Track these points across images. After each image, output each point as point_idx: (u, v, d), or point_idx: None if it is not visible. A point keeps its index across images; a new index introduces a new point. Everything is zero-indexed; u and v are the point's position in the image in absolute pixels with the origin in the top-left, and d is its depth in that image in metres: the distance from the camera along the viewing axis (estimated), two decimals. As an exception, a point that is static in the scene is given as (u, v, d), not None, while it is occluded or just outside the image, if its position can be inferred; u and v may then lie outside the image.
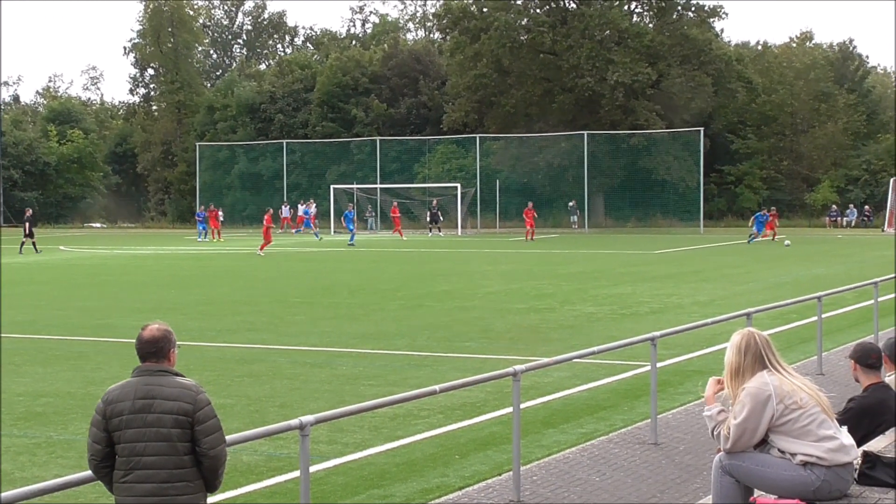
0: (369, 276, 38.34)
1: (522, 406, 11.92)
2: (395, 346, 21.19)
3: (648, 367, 13.60)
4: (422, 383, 15.95)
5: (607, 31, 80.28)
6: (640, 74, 77.47)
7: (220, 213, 72.30)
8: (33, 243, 54.85)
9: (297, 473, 9.82)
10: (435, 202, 68.81)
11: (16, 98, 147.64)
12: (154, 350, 6.94)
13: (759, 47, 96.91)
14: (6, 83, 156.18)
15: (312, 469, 9.81)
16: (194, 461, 6.81)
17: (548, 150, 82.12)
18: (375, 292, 32.41)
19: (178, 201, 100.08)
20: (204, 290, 33.64)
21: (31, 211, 58.75)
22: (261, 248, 51.48)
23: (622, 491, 11.00)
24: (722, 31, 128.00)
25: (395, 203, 70.03)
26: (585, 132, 78.70)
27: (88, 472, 7.21)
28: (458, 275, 38.42)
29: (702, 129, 77.86)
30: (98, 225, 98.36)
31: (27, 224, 55.82)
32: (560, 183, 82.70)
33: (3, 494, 6.72)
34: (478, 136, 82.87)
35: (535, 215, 66.49)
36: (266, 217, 53.05)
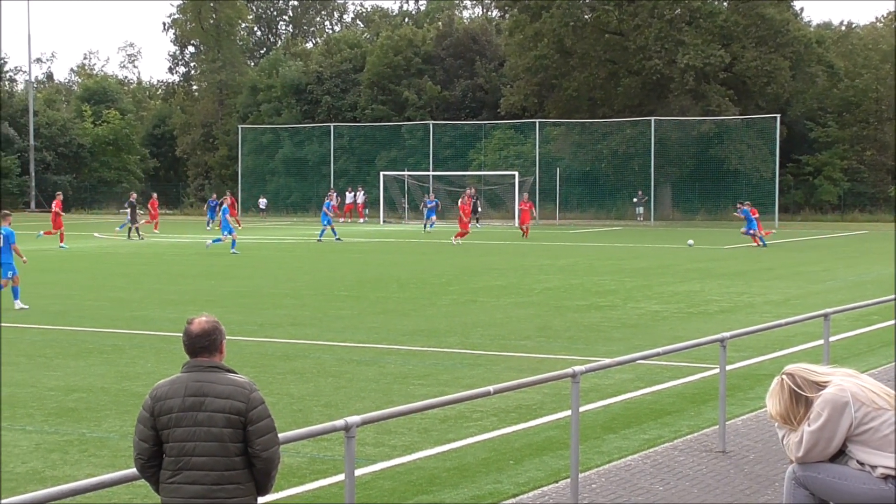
0: (419, 270, 38.41)
1: (581, 409, 11.92)
2: (446, 344, 21.23)
3: (717, 370, 13.55)
4: (475, 383, 15.99)
5: (677, 10, 79.85)
6: (712, 57, 76.99)
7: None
8: (137, 229, 55.81)
9: (341, 477, 9.88)
10: (472, 191, 68.57)
11: (49, 76, 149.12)
12: (206, 344, 6.96)
13: (843, 28, 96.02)
14: (39, 60, 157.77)
15: (358, 472, 9.88)
16: (246, 462, 6.85)
17: (612, 137, 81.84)
18: (426, 286, 32.47)
19: (218, 187, 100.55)
20: (243, 282, 33.83)
21: (135, 195, 59.70)
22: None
23: (687, 501, 10.97)
24: (801, 10, 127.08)
25: (469, 191, 69.27)
26: (652, 118, 78.38)
27: (122, 472, 7.30)
28: (513, 269, 38.41)
29: (778, 115, 77.28)
30: (128, 210, 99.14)
31: (131, 210, 56.77)
32: (625, 172, 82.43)
33: (36, 493, 6.80)
34: (537, 121, 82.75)
35: (533, 208, 65.61)
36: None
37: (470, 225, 58.72)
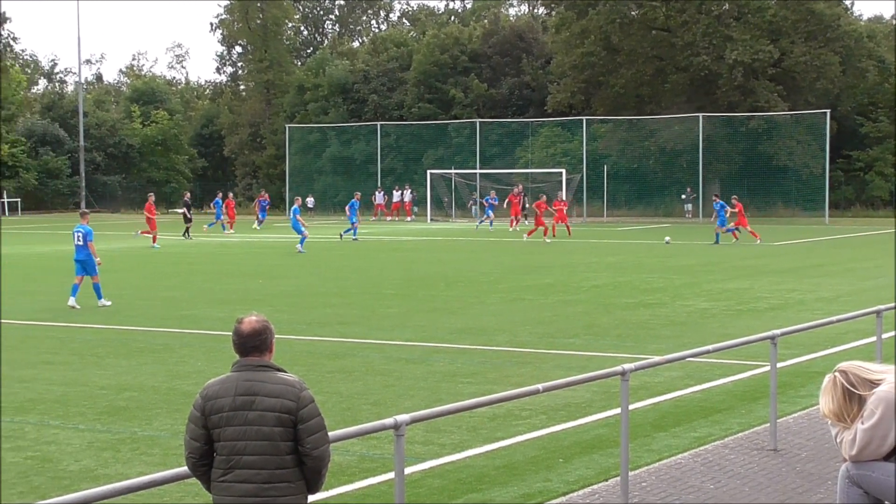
0: (467, 268, 38.41)
1: (631, 407, 11.89)
2: (494, 342, 21.23)
3: (767, 368, 13.49)
4: (523, 382, 15.97)
5: (725, 6, 79.46)
6: (760, 52, 76.52)
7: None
8: (187, 229, 56.38)
9: (391, 475, 9.89)
10: (520, 188, 68.34)
11: (98, 77, 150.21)
12: (257, 343, 6.98)
13: (894, 22, 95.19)
14: (88, 61, 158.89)
15: (407, 471, 9.88)
16: (296, 461, 6.87)
17: (660, 134, 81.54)
18: (473, 284, 32.48)
19: (266, 186, 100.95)
20: (291, 281, 33.96)
21: (188, 195, 60.33)
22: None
23: (738, 500, 10.92)
24: (852, 4, 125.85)
25: (518, 187, 69.01)
26: (700, 114, 78.02)
27: (174, 471, 7.34)
28: (561, 266, 38.35)
29: (828, 111, 76.71)
30: (182, 210, 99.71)
31: (185, 209, 57.37)
32: (672, 169, 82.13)
33: (89, 492, 6.85)
34: (584, 118, 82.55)
35: (547, 208, 64.78)
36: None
37: (517, 224, 58.82)
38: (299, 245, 46.02)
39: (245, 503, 6.80)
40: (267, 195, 75.92)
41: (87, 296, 27.56)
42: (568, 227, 58.01)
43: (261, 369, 6.93)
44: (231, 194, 70.54)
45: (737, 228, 51.69)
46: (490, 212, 65.49)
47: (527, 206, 68.47)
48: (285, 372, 7.00)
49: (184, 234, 56.61)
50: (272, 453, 6.80)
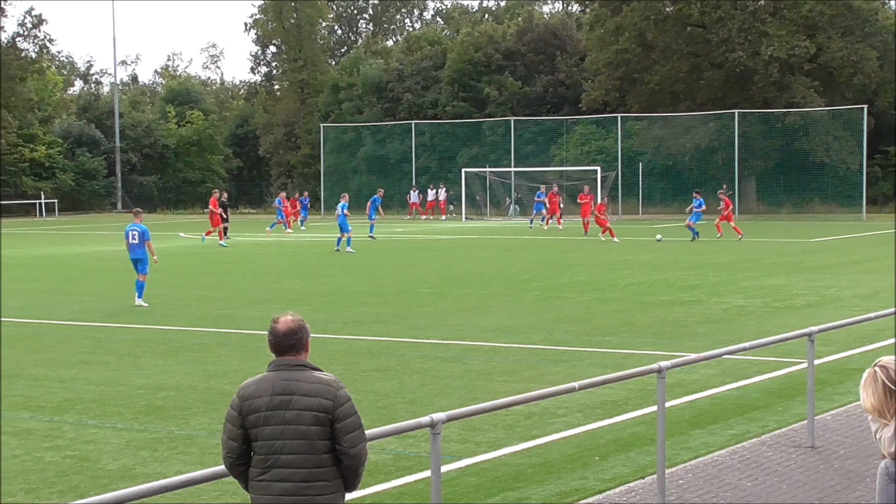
0: (502, 266, 38.40)
1: (667, 405, 11.88)
2: (530, 340, 21.23)
3: (805, 365, 13.46)
4: (559, 380, 15.99)
5: (761, 2, 79.06)
6: (796, 48, 76.11)
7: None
8: (225, 229, 56.26)
9: (427, 473, 9.91)
10: (556, 188, 67.88)
11: (134, 78, 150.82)
12: (293, 342, 7.01)
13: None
14: (123, 62, 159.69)
15: (444, 469, 9.90)
16: (334, 460, 6.90)
17: (695, 131, 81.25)
18: (508, 283, 32.48)
19: (301, 186, 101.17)
20: (326, 280, 34.05)
21: (225, 195, 60.55)
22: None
23: (776, 498, 10.90)
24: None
25: (556, 186, 68.44)
26: (736, 111, 77.72)
27: (211, 470, 7.39)
28: (596, 264, 38.30)
29: (865, 106, 76.22)
30: (219, 210, 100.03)
31: (221, 209, 57.44)
32: (708, 166, 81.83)
33: (127, 491, 6.90)
34: (619, 115, 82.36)
35: (560, 200, 64.39)
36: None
37: (551, 222, 58.60)
38: (348, 246, 45.34)
39: (283, 502, 6.83)
40: (306, 193, 75.58)
41: (125, 297, 27.69)
42: (586, 223, 57.56)
43: (297, 368, 6.96)
44: (283, 193, 70.38)
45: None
46: (542, 208, 64.38)
47: (561, 205, 68.21)
48: (321, 371, 7.03)
49: (220, 235, 56.60)
50: (310, 452, 6.83)
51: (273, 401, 6.87)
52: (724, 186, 77.23)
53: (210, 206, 53.48)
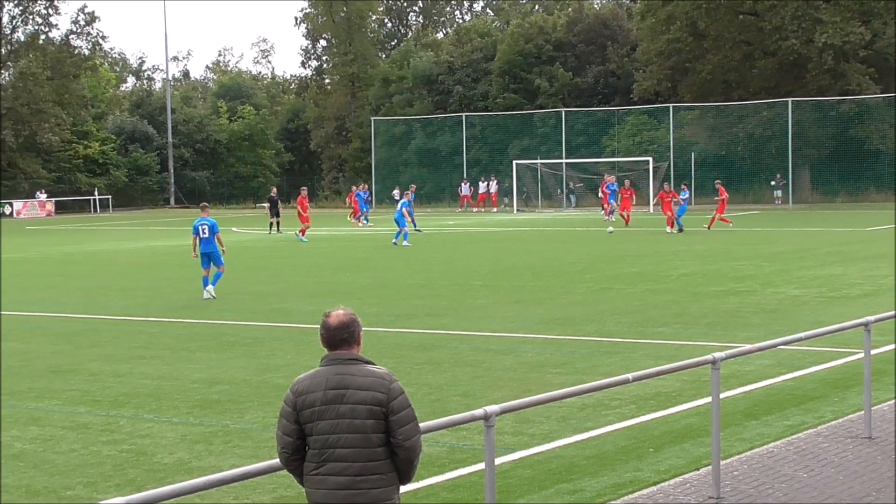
0: (553, 258, 38.36)
1: (722, 396, 11.84)
2: (582, 332, 21.21)
3: (861, 355, 13.38)
4: (612, 371, 15.97)
5: (814, -12, 78.52)
6: (851, 35, 75.44)
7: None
8: (277, 223, 56.61)
9: (481, 466, 9.95)
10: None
11: (185, 73, 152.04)
12: (345, 336, 7.03)
13: None
14: (175, 58, 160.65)
15: (497, 461, 9.92)
16: (388, 453, 6.93)
17: (748, 120, 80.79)
18: (561, 274, 32.44)
19: (352, 180, 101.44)
20: (378, 274, 34.11)
21: (275, 190, 60.80)
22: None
23: (832, 489, 10.84)
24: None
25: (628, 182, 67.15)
26: (790, 99, 77.19)
27: (266, 463, 7.44)
28: (649, 255, 38.18)
29: (921, 93, 75.60)
30: (266, 205, 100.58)
31: (270, 204, 57.78)
32: (761, 155, 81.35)
33: (183, 484, 6.95)
34: (671, 105, 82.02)
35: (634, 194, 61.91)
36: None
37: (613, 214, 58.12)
38: (404, 240, 45.25)
39: (338, 496, 6.86)
40: (364, 186, 74.52)
41: (178, 292, 27.86)
42: (627, 216, 56.98)
43: (350, 362, 6.98)
44: (354, 187, 70.34)
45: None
46: (613, 200, 62.76)
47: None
48: (374, 364, 7.05)
49: (271, 230, 56.85)
50: (364, 446, 6.86)
51: (327, 395, 6.90)
52: (778, 176, 77.01)
53: (298, 207, 52.93)
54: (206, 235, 28.29)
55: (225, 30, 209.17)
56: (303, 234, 50.51)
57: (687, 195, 55.34)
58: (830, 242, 42.41)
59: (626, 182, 62.03)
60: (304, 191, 55.37)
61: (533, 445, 12.65)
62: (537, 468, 11.79)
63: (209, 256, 28.30)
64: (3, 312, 26.05)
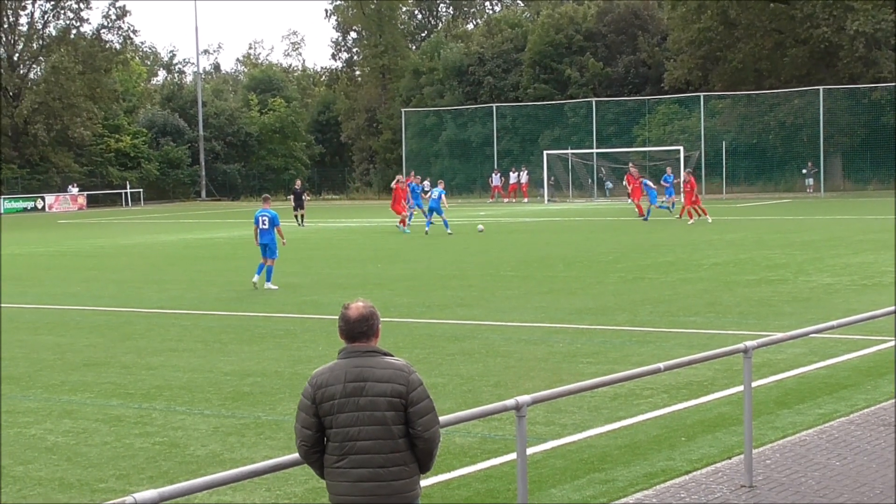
0: (585, 248, 38.30)
1: (754, 385, 11.80)
2: (614, 322, 21.17)
3: (893, 342, 13.30)
4: (644, 361, 15.93)
5: (845, -25, 78.07)
6: (883, 22, 75.01)
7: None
8: (301, 216, 56.62)
9: (513, 456, 9.94)
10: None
11: (216, 67, 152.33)
12: (365, 329, 7.03)
13: None
14: (206, 51, 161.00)
15: (529, 451, 9.92)
16: (408, 444, 6.93)
17: (779, 109, 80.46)
18: (592, 264, 32.39)
19: (383, 171, 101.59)
20: (410, 265, 34.14)
21: (300, 182, 60.84)
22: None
23: (865, 477, 10.79)
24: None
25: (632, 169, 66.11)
26: (821, 87, 76.82)
27: (297, 455, 7.44)
28: (681, 245, 38.08)
29: (953, 80, 75.08)
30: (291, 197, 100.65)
31: (294, 197, 57.86)
32: (793, 143, 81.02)
33: (216, 476, 6.97)
34: (702, 94, 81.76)
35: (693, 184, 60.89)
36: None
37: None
38: (447, 228, 45.60)
39: (362, 488, 6.87)
40: (418, 178, 72.37)
41: (210, 284, 27.91)
42: (639, 206, 56.35)
43: (369, 355, 6.99)
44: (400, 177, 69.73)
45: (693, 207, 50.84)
46: (671, 193, 59.38)
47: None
48: (392, 356, 7.07)
49: (298, 223, 56.78)
50: (385, 437, 6.87)
51: (347, 388, 6.90)
52: (809, 164, 76.57)
53: (395, 191, 51.60)
54: (266, 227, 28.61)
55: (255, 23, 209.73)
56: (404, 224, 49.48)
57: (672, 179, 55.53)
58: (862, 230, 42.20)
59: (633, 169, 61.21)
60: (399, 180, 53.52)
61: (565, 435, 12.64)
62: (569, 458, 11.78)
63: (266, 247, 28.55)
64: (37, 306, 26.24)
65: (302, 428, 7.04)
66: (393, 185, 53.94)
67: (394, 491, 6.88)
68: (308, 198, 59.90)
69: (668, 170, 61.50)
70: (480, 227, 48.37)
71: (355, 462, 6.88)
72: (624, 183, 61.60)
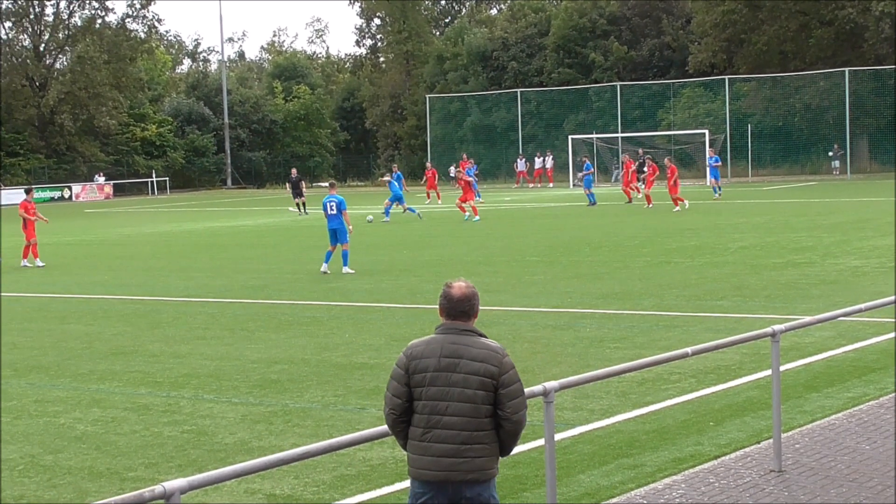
0: (611, 232, 38.22)
1: (782, 368, 11.74)
2: (641, 306, 21.12)
3: (923, 325, 13.22)
4: (671, 345, 15.89)
5: (870, -44, 77.62)
6: (908, 2, 74.60)
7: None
8: (303, 203, 56.68)
9: (541, 441, 9.91)
10: (640, 152, 65.25)
11: (241, 55, 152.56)
12: (466, 308, 7.25)
13: None
14: (230, 39, 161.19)
15: (557, 437, 9.90)
16: (493, 424, 7.07)
17: (805, 91, 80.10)
18: (618, 248, 32.32)
19: (408, 157, 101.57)
20: (436, 251, 34.13)
21: (295, 171, 60.85)
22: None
23: None
24: None
25: (624, 157, 64.59)
26: (847, 69, 76.42)
27: (327, 442, 7.43)
28: (707, 228, 37.96)
29: (981, 59, 74.55)
30: (326, 184, 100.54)
31: (291, 186, 57.85)
32: (819, 126, 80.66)
33: (246, 464, 6.96)
34: (727, 77, 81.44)
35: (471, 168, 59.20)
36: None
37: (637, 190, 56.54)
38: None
39: (443, 463, 7.02)
40: (471, 161, 70.86)
41: (237, 272, 27.88)
42: (627, 191, 55.86)
43: (465, 333, 7.16)
44: (428, 164, 70.06)
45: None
46: (716, 175, 58.58)
47: (645, 170, 65.28)
48: (487, 338, 7.23)
49: (302, 210, 56.52)
50: (473, 416, 7.00)
51: (441, 363, 7.07)
52: (836, 146, 76.12)
53: (461, 176, 50.11)
54: (334, 212, 28.77)
55: (279, 10, 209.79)
56: (475, 211, 46.66)
57: (591, 168, 55.91)
58: (889, 212, 41.93)
59: (625, 156, 60.85)
60: (466, 160, 52.36)
61: (592, 421, 12.61)
62: (597, 443, 11.75)
63: (335, 232, 28.65)
64: (65, 295, 26.33)
65: (392, 396, 7.21)
66: (455, 174, 51.19)
67: (474, 468, 7.02)
68: (306, 186, 59.72)
69: (710, 151, 61.00)
70: (370, 217, 47.64)
71: (440, 437, 7.03)
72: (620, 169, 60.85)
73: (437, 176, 65.80)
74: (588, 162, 57.26)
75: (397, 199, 48.39)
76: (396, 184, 49.36)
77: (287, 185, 61.50)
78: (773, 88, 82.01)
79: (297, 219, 53.53)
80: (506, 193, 72.82)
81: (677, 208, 47.31)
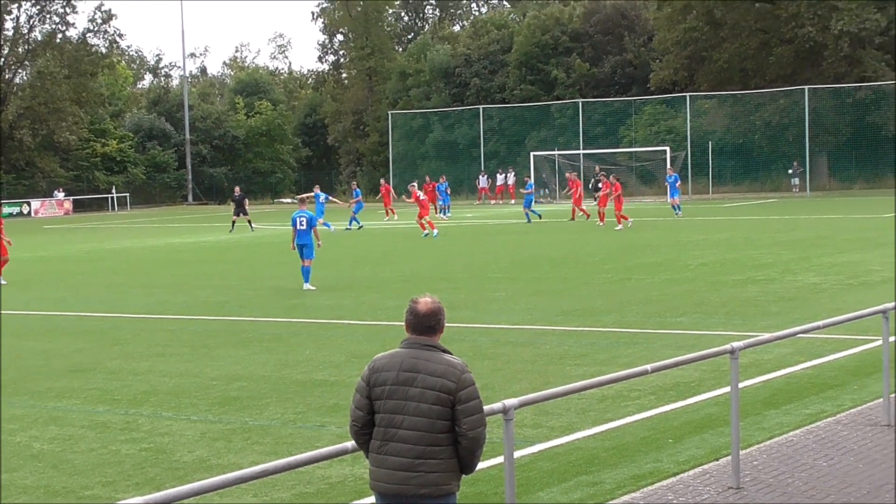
0: (572, 249, 38.31)
1: (741, 385, 11.81)
2: (602, 323, 21.17)
3: (880, 342, 13.30)
4: (632, 362, 15.95)
5: (830, -25, 78.21)
6: (867, 21, 75.14)
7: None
8: (248, 221, 56.47)
9: (501, 459, 9.91)
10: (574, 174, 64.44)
11: (203, 70, 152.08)
12: (433, 324, 7.24)
13: None
14: (192, 55, 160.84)
15: (517, 454, 9.91)
16: (450, 440, 7.09)
17: (765, 108, 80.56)
18: (579, 265, 32.41)
19: (370, 173, 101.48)
20: (398, 267, 34.11)
21: (238, 189, 60.55)
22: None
23: (852, 477, 10.80)
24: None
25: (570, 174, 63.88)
26: (806, 87, 76.91)
27: (286, 460, 7.43)
28: (667, 245, 38.11)
29: (938, 79, 75.21)
30: (288, 200, 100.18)
31: (235, 204, 57.56)
32: (779, 143, 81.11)
33: (204, 482, 6.94)
34: (688, 94, 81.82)
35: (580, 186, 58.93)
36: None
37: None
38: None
39: (397, 477, 7.06)
40: (444, 178, 71.93)
41: (197, 288, 27.86)
42: (574, 210, 56.26)
43: (427, 348, 7.18)
44: (382, 180, 70.56)
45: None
46: (675, 194, 57.18)
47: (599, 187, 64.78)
48: (451, 354, 7.24)
49: (231, 228, 56.14)
50: (427, 430, 7.03)
51: (399, 376, 7.11)
52: (795, 163, 76.62)
53: (413, 199, 49.62)
54: (304, 227, 28.67)
55: (242, 26, 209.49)
56: (431, 227, 47.29)
57: (532, 188, 56.41)
58: (848, 229, 42.27)
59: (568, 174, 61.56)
60: (414, 186, 52.29)
61: (552, 438, 12.63)
62: (557, 460, 11.77)
63: (302, 248, 28.64)
64: (23, 312, 26.17)
65: (355, 408, 7.29)
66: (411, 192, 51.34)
67: (427, 483, 7.04)
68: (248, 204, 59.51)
69: (670, 170, 61.21)
70: (329, 224, 50.13)
71: (395, 450, 7.08)
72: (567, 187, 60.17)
73: (390, 192, 66.03)
74: (530, 182, 57.48)
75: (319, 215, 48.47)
76: (351, 199, 50.05)
77: (231, 202, 61.35)
78: (734, 106, 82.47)
79: (249, 234, 53.39)
80: (467, 210, 72.91)
81: (620, 226, 47.22)
